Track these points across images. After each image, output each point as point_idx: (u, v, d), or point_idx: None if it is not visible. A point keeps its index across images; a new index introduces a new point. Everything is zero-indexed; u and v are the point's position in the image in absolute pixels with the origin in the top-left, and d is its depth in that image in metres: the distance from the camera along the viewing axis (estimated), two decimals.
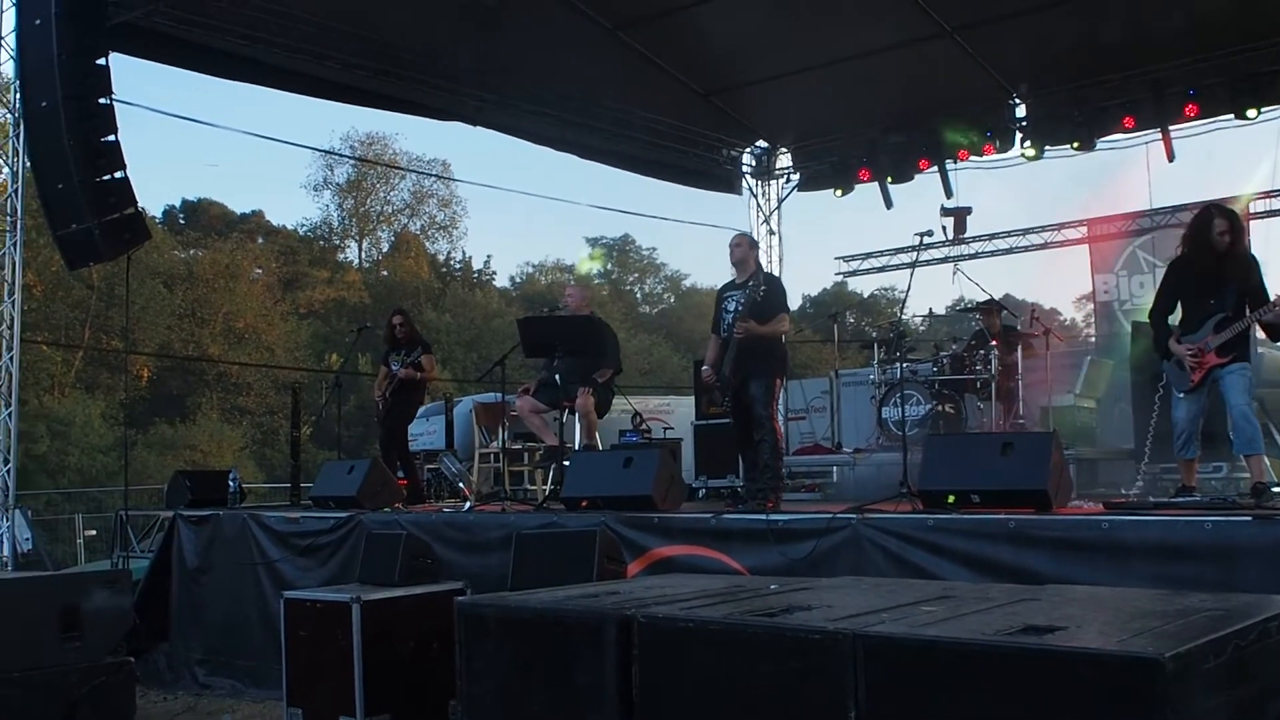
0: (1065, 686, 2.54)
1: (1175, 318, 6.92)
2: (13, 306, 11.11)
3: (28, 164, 10.01)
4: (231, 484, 10.12)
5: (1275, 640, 2.94)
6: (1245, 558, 4.66)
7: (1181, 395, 6.69)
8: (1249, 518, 4.85)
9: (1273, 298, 6.49)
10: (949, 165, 13.13)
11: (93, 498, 22.90)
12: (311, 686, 6.73)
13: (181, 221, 43.05)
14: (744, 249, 8.00)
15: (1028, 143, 12.47)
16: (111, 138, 9.03)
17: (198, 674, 9.04)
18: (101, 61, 9.03)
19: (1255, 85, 10.95)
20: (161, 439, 32.48)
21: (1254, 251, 6.83)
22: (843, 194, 14.21)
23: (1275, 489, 6.60)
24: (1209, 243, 6.64)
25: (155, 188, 54.68)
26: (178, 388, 36.22)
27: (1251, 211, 13.63)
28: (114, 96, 9.05)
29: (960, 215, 13.51)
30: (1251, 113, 11.10)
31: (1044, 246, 16.12)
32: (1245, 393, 6.46)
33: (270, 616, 8.04)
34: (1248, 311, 6.47)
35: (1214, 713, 2.61)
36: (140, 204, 9.38)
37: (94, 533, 17.84)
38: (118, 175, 9.05)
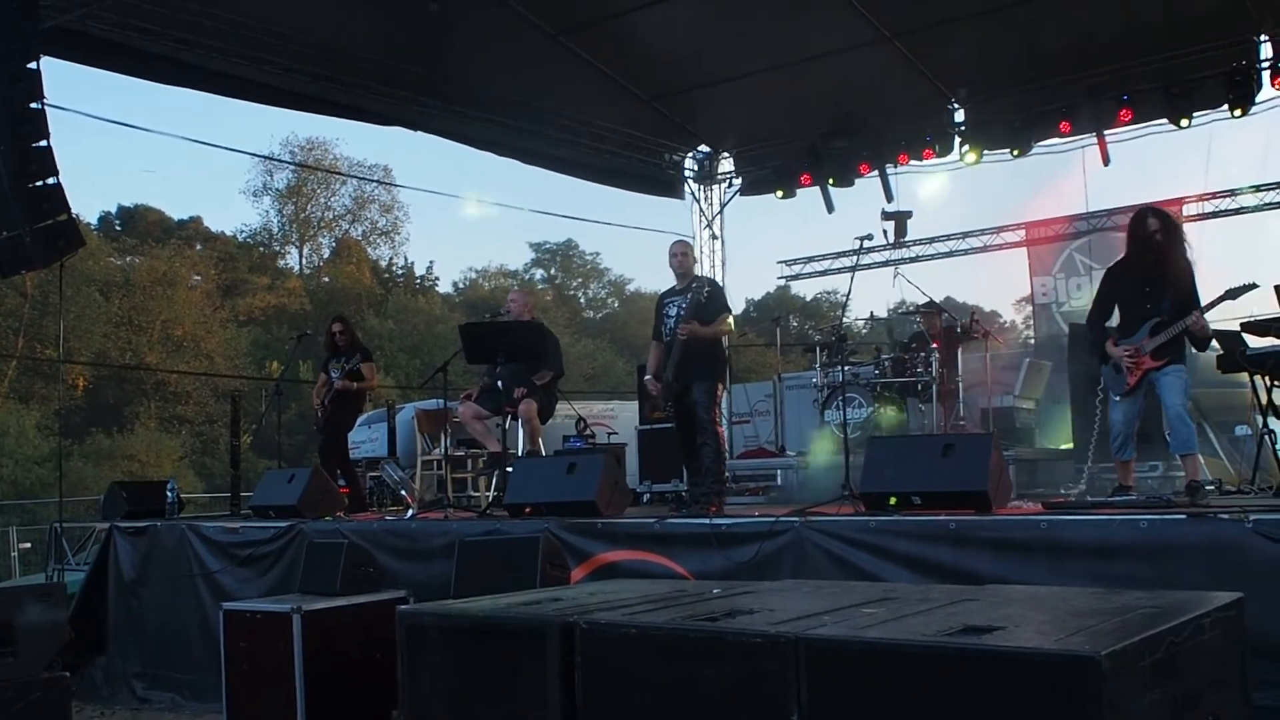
0: (1004, 686, 2.57)
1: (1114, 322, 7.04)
2: None
3: None
4: (170, 494, 9.98)
5: (1209, 636, 2.99)
6: (1179, 555, 4.74)
7: (1118, 398, 6.80)
8: (1183, 516, 4.93)
9: (1204, 301, 6.61)
10: (889, 170, 13.26)
11: (27, 510, 22.53)
12: (252, 699, 6.65)
13: (118, 228, 42.46)
14: (684, 255, 8.04)
15: (966, 147, 12.60)
16: (44, 143, 8.86)
17: (136, 688, 8.91)
18: (33, 65, 8.86)
19: (1188, 91, 11.14)
20: (98, 449, 32.00)
21: (1189, 255, 6.94)
22: (784, 198, 14.28)
23: (1209, 487, 6.72)
24: (1146, 243, 6.76)
25: (90, 194, 54.00)
26: (115, 397, 35.70)
27: (1184, 214, 13.90)
28: (46, 101, 8.91)
29: (900, 219, 13.62)
30: (1185, 121, 11.30)
31: (983, 250, 16.30)
32: (1181, 394, 6.58)
33: (209, 628, 7.93)
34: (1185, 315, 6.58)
35: (1150, 709, 2.65)
36: (74, 210, 9.21)
37: (29, 546, 17.55)
38: (50, 181, 8.89)
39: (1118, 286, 6.98)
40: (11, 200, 8.77)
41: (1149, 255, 6.76)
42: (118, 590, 9.30)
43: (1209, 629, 2.99)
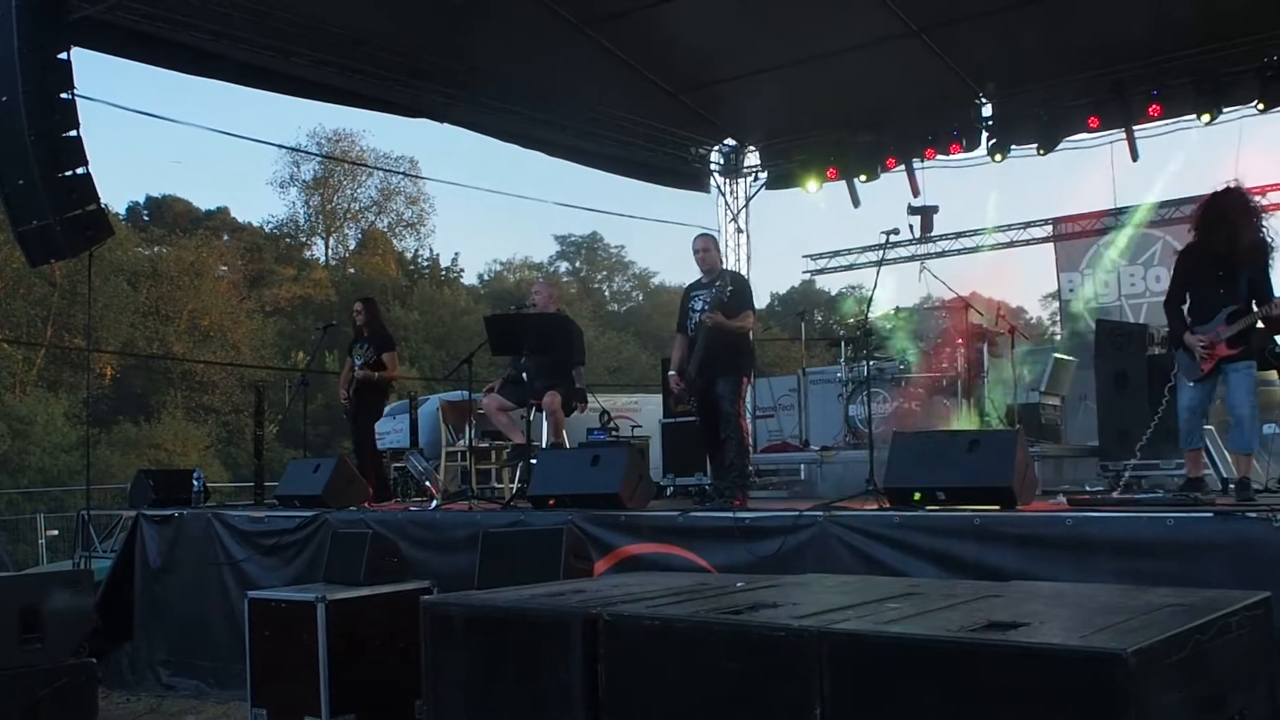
0: (1029, 682, 2.56)
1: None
2: None
3: None
4: (196, 483, 10.03)
5: (1235, 635, 2.97)
6: (1206, 554, 4.71)
7: (1192, 383, 6.58)
8: (1210, 514, 4.90)
9: (1278, 292, 6.42)
10: (915, 164, 13.20)
11: (55, 497, 22.70)
12: (276, 687, 6.69)
13: (146, 218, 42.65)
14: (707, 250, 8.03)
15: (994, 142, 12.53)
16: (73, 133, 8.94)
17: (161, 675, 8.97)
18: (63, 56, 8.94)
19: (1218, 87, 11.06)
20: (125, 438, 32.17)
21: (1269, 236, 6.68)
22: (815, 189, 14.23)
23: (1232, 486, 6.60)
24: (1215, 223, 6.53)
25: (119, 184, 54.20)
26: (142, 386, 35.90)
27: None
28: (76, 91, 8.97)
29: (927, 214, 13.56)
30: (1205, 117, 11.22)
31: (1010, 245, 16.23)
32: (1249, 393, 6.38)
33: (234, 616, 7.98)
34: (1254, 306, 6.40)
35: (1175, 707, 2.63)
36: (103, 200, 9.29)
37: (56, 532, 17.69)
38: (79, 171, 8.96)
39: (1193, 269, 6.70)
40: (41, 190, 8.84)
41: (1218, 236, 6.48)
42: (144, 578, 9.36)
43: (1236, 628, 2.97)
